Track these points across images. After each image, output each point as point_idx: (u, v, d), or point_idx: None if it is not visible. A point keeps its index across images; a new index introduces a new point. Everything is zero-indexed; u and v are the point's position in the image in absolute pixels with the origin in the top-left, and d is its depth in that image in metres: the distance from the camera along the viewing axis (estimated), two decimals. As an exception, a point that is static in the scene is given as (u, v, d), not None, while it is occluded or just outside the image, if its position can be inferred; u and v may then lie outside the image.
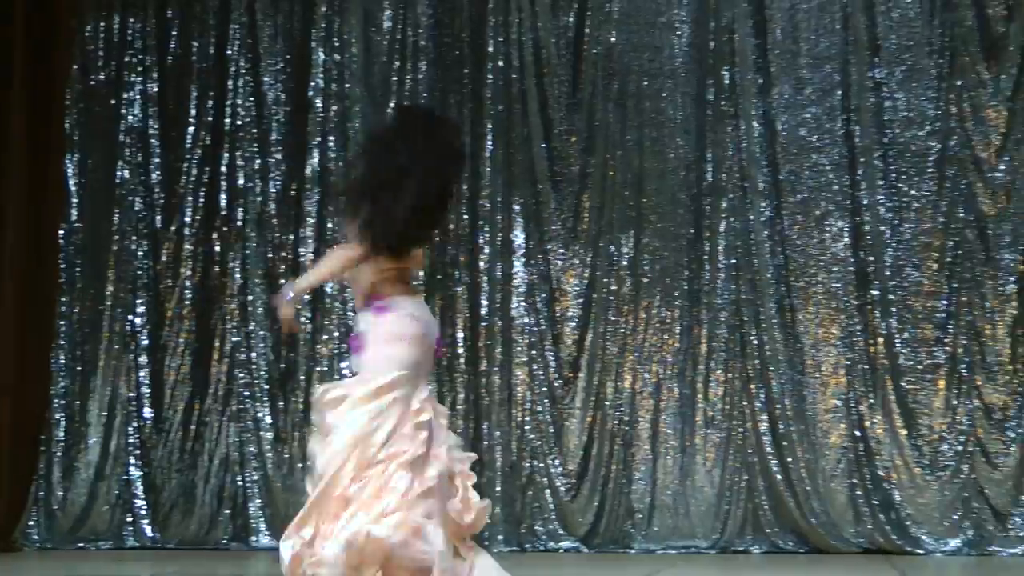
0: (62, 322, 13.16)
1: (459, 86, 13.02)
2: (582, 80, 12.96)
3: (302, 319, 12.78)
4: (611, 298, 12.79)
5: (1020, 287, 12.36)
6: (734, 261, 12.62)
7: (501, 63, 12.98)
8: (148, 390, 13.07)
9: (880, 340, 12.42)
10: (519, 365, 12.80)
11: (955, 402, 12.29)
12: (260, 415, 12.91)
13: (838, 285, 12.53)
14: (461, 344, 12.86)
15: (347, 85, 13.05)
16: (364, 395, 6.55)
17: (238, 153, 13.18)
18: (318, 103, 13.11)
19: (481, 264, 12.87)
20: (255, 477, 12.85)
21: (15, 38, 13.01)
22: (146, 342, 13.15)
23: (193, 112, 13.24)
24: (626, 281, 12.78)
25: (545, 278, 12.90)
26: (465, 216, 12.94)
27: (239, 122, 13.19)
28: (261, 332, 13.00)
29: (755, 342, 12.49)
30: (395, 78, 13.06)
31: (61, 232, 13.21)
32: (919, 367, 12.40)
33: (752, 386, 12.46)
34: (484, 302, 12.87)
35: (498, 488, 12.48)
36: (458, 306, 12.88)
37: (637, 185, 12.80)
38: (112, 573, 10.48)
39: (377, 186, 6.64)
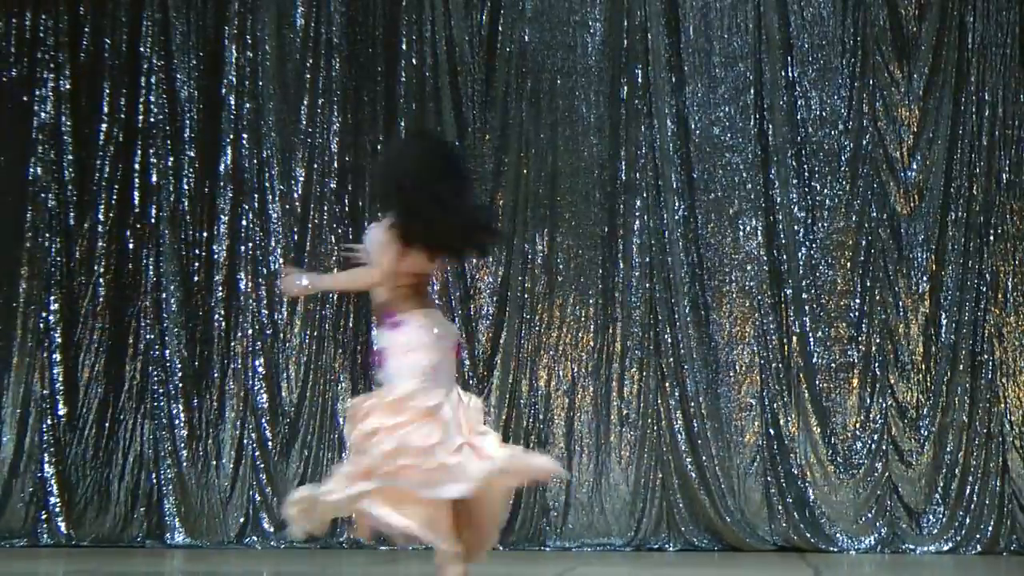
0: (-26, 319, 12.68)
1: (372, 84, 12.58)
2: (495, 78, 12.50)
3: (217, 316, 12.49)
4: (526, 296, 12.35)
5: (933, 286, 12.02)
6: (648, 259, 12.21)
7: (414, 61, 12.53)
8: (62, 387, 12.55)
9: (794, 339, 12.05)
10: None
11: (868, 400, 11.96)
12: (174, 412, 12.44)
13: (752, 284, 12.15)
14: (375, 343, 12.00)
15: (260, 83, 12.63)
16: (390, 402, 6.80)
17: (151, 150, 12.66)
18: (231, 101, 12.64)
19: None
20: (170, 475, 12.38)
21: (-75, 34, 12.58)
22: (60, 339, 12.61)
23: (106, 109, 12.72)
24: (540, 279, 12.35)
25: (459, 276, 12.42)
26: (379, 215, 12.08)
27: (152, 119, 12.68)
28: (175, 329, 12.52)
29: (669, 340, 12.10)
30: (308, 76, 12.63)
31: (-28, 229, 12.74)
32: (833, 365, 12.03)
33: (667, 384, 12.08)
34: None
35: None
36: (372, 303, 11.98)
37: (551, 183, 12.38)
38: (26, 571, 9.91)
39: (433, 186, 6.82)
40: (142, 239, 12.60)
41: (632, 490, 12.01)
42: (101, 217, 12.63)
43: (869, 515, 11.80)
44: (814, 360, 11.98)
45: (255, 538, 12.16)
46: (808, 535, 11.74)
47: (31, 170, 12.67)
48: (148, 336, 12.50)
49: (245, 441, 12.30)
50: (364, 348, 12.31)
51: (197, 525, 12.24)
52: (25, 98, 12.71)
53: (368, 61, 12.54)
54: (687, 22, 12.29)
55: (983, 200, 11.96)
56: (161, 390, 12.42)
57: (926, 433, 11.86)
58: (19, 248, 12.63)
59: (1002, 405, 11.83)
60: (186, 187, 12.59)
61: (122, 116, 12.66)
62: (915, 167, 12.07)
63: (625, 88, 12.29)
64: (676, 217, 12.14)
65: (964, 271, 11.92)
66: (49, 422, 12.45)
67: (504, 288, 12.33)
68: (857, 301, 12.02)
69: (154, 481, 12.36)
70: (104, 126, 12.67)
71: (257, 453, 12.27)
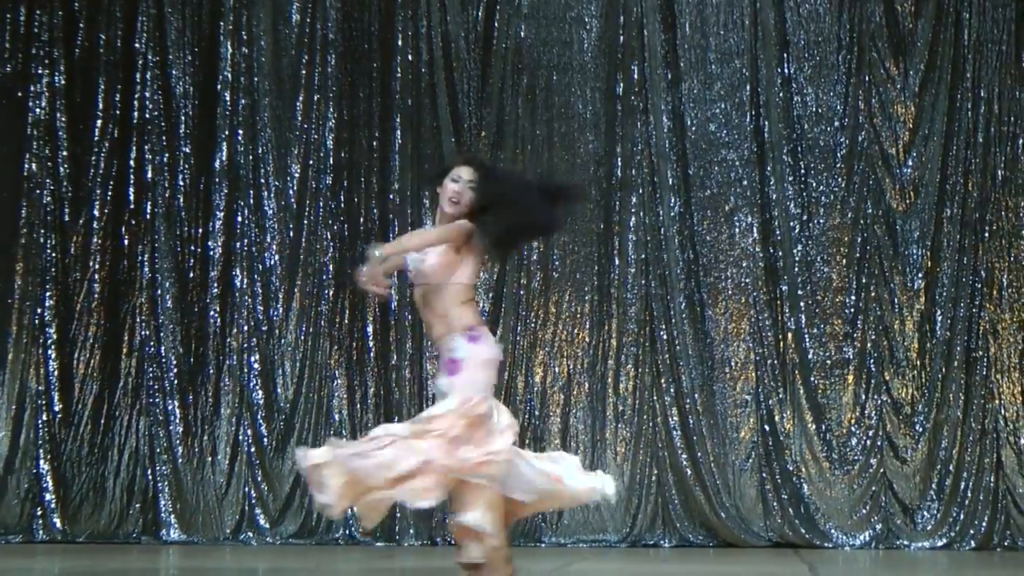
0: (-31, 316, 12.60)
1: (368, 80, 12.55)
2: (491, 74, 12.46)
3: (212, 313, 12.46)
4: (521, 293, 12.32)
5: (928, 282, 12.01)
6: (644, 256, 12.20)
7: (410, 57, 12.49)
8: (57, 384, 12.54)
9: (789, 335, 12.03)
10: (430, 359, 12.16)
11: (863, 397, 11.96)
12: (170, 409, 12.42)
13: (747, 280, 12.13)
14: (371, 338, 12.37)
15: (255, 79, 12.61)
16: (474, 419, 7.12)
17: (146, 147, 12.64)
18: (226, 96, 12.62)
19: None
20: (165, 471, 12.37)
21: (-81, 30, 12.50)
22: (55, 335, 12.59)
23: (101, 105, 12.69)
24: (536, 276, 12.32)
25: (455, 272, 12.19)
26: (375, 211, 12.47)
27: (147, 115, 12.65)
28: (171, 326, 12.49)
29: (665, 337, 12.07)
30: (304, 71, 12.62)
31: (-32, 226, 12.63)
32: (828, 362, 12.03)
33: (662, 381, 12.05)
34: (395, 296, 12.19)
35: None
36: (368, 300, 12.32)
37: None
38: (22, 568, 9.87)
39: (518, 201, 7.20)
40: (137, 235, 12.56)
41: (627, 486, 11.95)
42: (96, 213, 12.59)
43: (864, 511, 11.78)
44: (809, 356, 11.96)
45: (250, 534, 12.14)
46: (803, 531, 11.72)
47: (26, 166, 12.62)
48: (143, 332, 12.46)
49: (240, 437, 12.29)
50: (360, 345, 12.29)
51: (192, 521, 12.23)
52: (20, 94, 12.67)
53: (363, 57, 12.50)
54: (683, 18, 12.27)
55: (978, 197, 11.94)
56: (156, 386, 12.39)
57: (921, 429, 11.85)
58: (14, 244, 12.58)
59: (996, 401, 11.82)
60: (181, 183, 12.55)
61: (117, 112, 12.62)
62: (911, 164, 12.04)
63: (621, 84, 12.25)
64: (672, 214, 12.11)
65: (959, 267, 11.91)
66: (44, 418, 12.41)
67: (500, 285, 12.28)
68: (852, 298, 11.99)
69: (149, 477, 12.32)
70: (99, 122, 12.62)
71: (253, 449, 12.25)
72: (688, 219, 12.14)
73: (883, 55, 12.11)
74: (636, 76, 12.23)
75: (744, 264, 12.09)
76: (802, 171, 12.09)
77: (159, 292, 12.46)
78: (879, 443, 11.86)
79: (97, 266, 12.57)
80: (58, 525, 12.29)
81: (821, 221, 12.06)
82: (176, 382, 12.39)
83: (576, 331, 12.21)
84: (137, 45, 12.62)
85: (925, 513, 11.77)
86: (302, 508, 12.10)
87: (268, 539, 12.08)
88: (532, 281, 12.27)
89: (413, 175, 12.33)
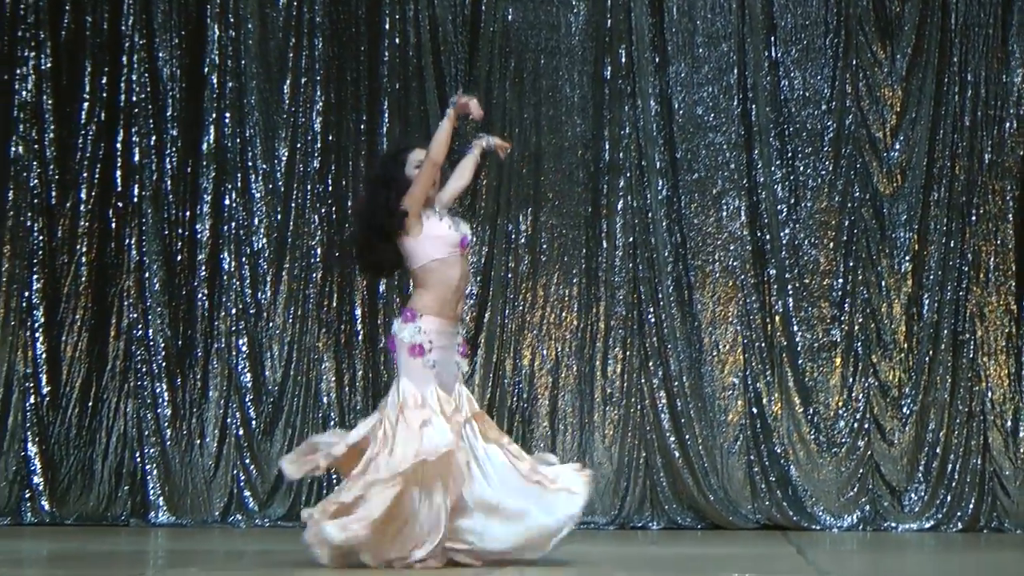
0: (-43, 299, 12.57)
1: (356, 63, 12.52)
2: (479, 58, 12.42)
3: (200, 296, 12.43)
4: (509, 276, 12.31)
5: (915, 265, 12.04)
6: (631, 239, 12.19)
7: (398, 40, 12.46)
8: (45, 366, 12.50)
9: (777, 318, 12.05)
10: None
11: (851, 380, 11.99)
12: (158, 392, 12.38)
13: (735, 263, 12.14)
14: (359, 320, 12.34)
15: (243, 62, 12.55)
16: None
17: (133, 129, 12.57)
18: (214, 80, 12.56)
19: None
20: (153, 454, 12.32)
21: (-96, 13, 12.42)
22: (42, 318, 12.54)
23: (87, 88, 12.62)
24: (524, 259, 12.32)
25: (443, 256, 12.21)
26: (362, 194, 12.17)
27: (134, 98, 12.57)
28: (158, 309, 12.46)
29: (653, 320, 12.07)
30: (291, 55, 12.57)
31: (-45, 208, 12.61)
32: (815, 345, 12.05)
33: (650, 364, 12.05)
34: (383, 279, 12.15)
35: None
36: (356, 283, 12.37)
37: (534, 163, 12.35)
38: (9, 549, 9.84)
39: None
40: (124, 218, 12.51)
41: (616, 469, 11.98)
42: (83, 196, 12.54)
43: (851, 493, 11.80)
44: (797, 340, 11.97)
45: (239, 517, 12.13)
46: (791, 513, 11.74)
47: (12, 149, 12.56)
48: (131, 315, 12.42)
49: (229, 420, 12.27)
50: (348, 327, 12.26)
51: (181, 504, 12.21)
52: (6, 76, 12.59)
53: (351, 40, 12.46)
54: (670, 2, 12.26)
55: (965, 180, 11.96)
56: (144, 369, 12.36)
57: (908, 412, 11.88)
58: (1, 227, 12.53)
59: (983, 384, 11.84)
60: (168, 166, 12.50)
61: (104, 95, 12.56)
62: (898, 147, 12.06)
63: (608, 68, 12.23)
64: (659, 197, 12.10)
65: (946, 251, 11.92)
66: (32, 401, 12.39)
67: (488, 268, 12.27)
68: (840, 281, 12.01)
69: (138, 460, 12.29)
70: (86, 105, 12.56)
71: (241, 432, 12.24)
72: (676, 202, 12.12)
73: (870, 39, 12.10)
74: (624, 60, 12.21)
75: (732, 247, 12.09)
76: (789, 154, 12.09)
77: (147, 275, 12.41)
78: (866, 426, 11.88)
79: (84, 249, 12.52)
80: (46, 507, 12.27)
81: (808, 204, 12.06)
82: (164, 365, 12.35)
83: (564, 314, 12.20)
84: (124, 27, 12.55)
85: (912, 495, 11.79)
86: (291, 491, 12.09)
87: (257, 521, 12.07)
88: (520, 264, 12.26)
89: (396, 142, 12.14)
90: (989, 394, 11.84)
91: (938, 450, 11.79)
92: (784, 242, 12.02)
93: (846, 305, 11.99)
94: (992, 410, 11.83)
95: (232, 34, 12.50)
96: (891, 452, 11.87)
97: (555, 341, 12.19)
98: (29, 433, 12.38)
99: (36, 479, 12.33)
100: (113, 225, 12.54)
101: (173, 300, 12.43)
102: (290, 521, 11.95)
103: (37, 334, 12.47)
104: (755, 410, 11.94)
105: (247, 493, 12.17)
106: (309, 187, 12.40)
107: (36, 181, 12.56)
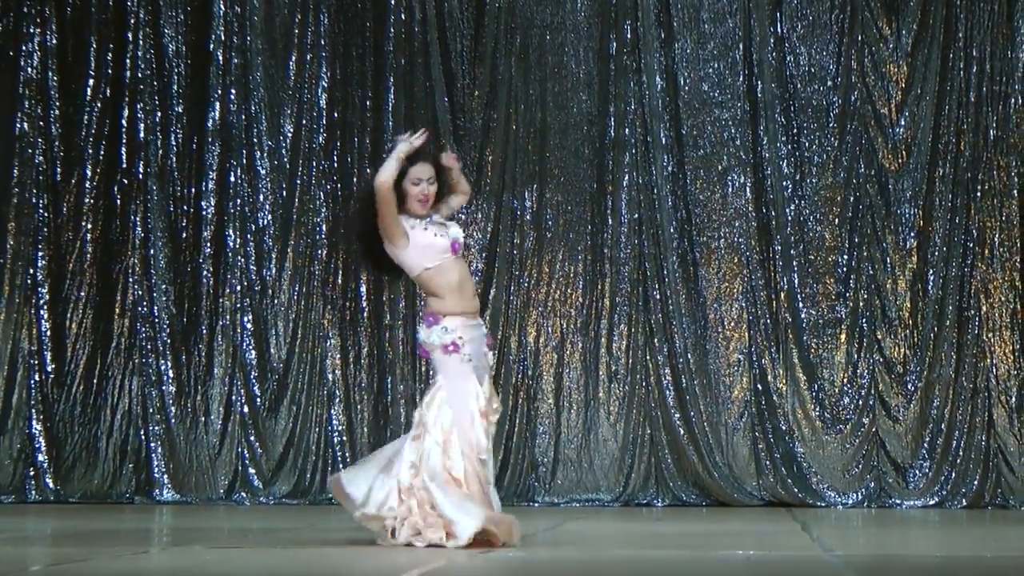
0: (-39, 276, 12.46)
1: (361, 39, 12.49)
2: (484, 34, 12.40)
3: (205, 273, 12.42)
4: (514, 252, 12.32)
5: (920, 242, 12.03)
6: (637, 216, 12.17)
7: (403, 16, 12.42)
8: (49, 344, 12.48)
9: (782, 295, 12.05)
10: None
11: (856, 356, 11.99)
12: (163, 369, 12.40)
13: (740, 240, 12.13)
14: (364, 298, 12.33)
15: (248, 38, 12.54)
16: None
17: (138, 106, 12.55)
18: (219, 56, 12.55)
19: None
20: (158, 431, 12.36)
21: (-92, -10, 12.35)
22: (47, 296, 12.52)
23: (92, 64, 12.59)
24: (529, 236, 12.32)
25: (449, 232, 12.20)
26: (368, 171, 12.20)
27: (139, 75, 12.55)
28: (163, 286, 12.45)
29: (658, 297, 12.09)
30: (296, 30, 12.53)
31: (-41, 185, 12.52)
32: (820, 321, 12.05)
33: (655, 340, 12.07)
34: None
35: (402, 441, 11.72)
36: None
37: (540, 139, 12.34)
38: (14, 527, 9.85)
39: None
40: (129, 195, 12.48)
41: (621, 446, 12.01)
42: (88, 173, 12.51)
43: (856, 470, 11.82)
44: (802, 316, 11.97)
45: (243, 494, 12.14)
46: (795, 490, 11.75)
47: (18, 126, 12.53)
48: (136, 292, 12.42)
49: (233, 398, 12.27)
50: (353, 304, 12.25)
51: (185, 481, 12.22)
52: (11, 53, 12.55)
53: (356, 16, 12.42)
54: (676, -22, 12.18)
55: (970, 156, 11.93)
56: (149, 347, 12.35)
57: (913, 388, 11.87)
58: (6, 204, 12.50)
59: (988, 360, 11.83)
60: (174, 143, 12.48)
61: (109, 71, 12.52)
62: (903, 123, 12.03)
63: (614, 44, 12.20)
64: (665, 173, 12.08)
65: (951, 227, 11.90)
66: (37, 379, 12.38)
67: (493, 244, 12.27)
68: (845, 257, 12.00)
69: (142, 438, 12.31)
70: (91, 81, 12.53)
71: (246, 410, 12.23)
72: (681, 178, 12.11)
73: (876, 14, 12.06)
74: (629, 35, 12.19)
75: (737, 224, 12.08)
76: (795, 131, 12.07)
77: (152, 252, 12.40)
78: (871, 402, 11.88)
79: (89, 226, 12.49)
80: (51, 485, 12.27)
81: (814, 180, 12.05)
82: (169, 342, 12.36)
83: (569, 291, 12.20)
84: (129, 3, 12.53)
85: (917, 472, 11.81)
86: (295, 468, 12.13)
87: (261, 499, 12.08)
88: (525, 241, 12.25)
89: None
90: (994, 370, 11.83)
91: (943, 427, 11.79)
92: (789, 218, 12.01)
93: (851, 281, 11.98)
94: (997, 386, 11.82)
95: (237, 10, 12.47)
96: (896, 429, 11.86)
97: (560, 318, 12.19)
98: (34, 411, 12.38)
99: (40, 457, 12.32)
100: (118, 202, 12.52)
101: (178, 277, 12.41)
102: (295, 499, 12.05)
103: (42, 311, 12.45)
104: (760, 387, 11.94)
105: (252, 471, 12.18)
106: (314, 163, 12.37)
107: (41, 158, 12.52)
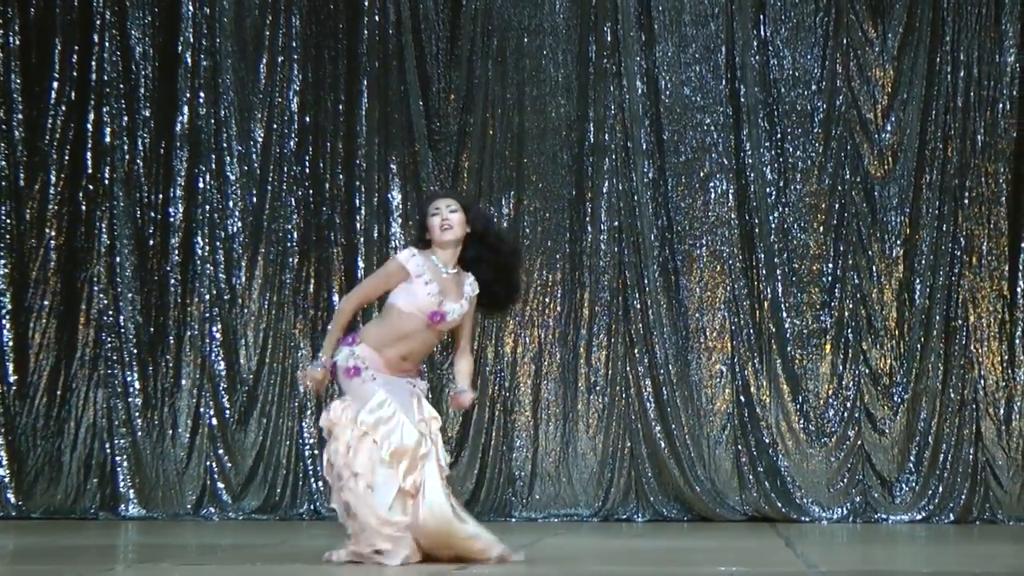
0: (-79, 285, 12.38)
1: (333, 41, 12.51)
2: (460, 36, 12.42)
3: (173, 281, 12.45)
4: None
5: (906, 250, 12.05)
6: (617, 223, 12.19)
7: (377, 18, 12.43)
8: (11, 354, 12.48)
9: (765, 304, 12.07)
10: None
11: (841, 368, 12.02)
12: (128, 380, 12.39)
13: (723, 248, 12.15)
14: (337, 307, 12.00)
15: (218, 39, 12.55)
16: None
17: (104, 109, 12.58)
18: (187, 58, 12.56)
19: (358, 226, 12.33)
20: (124, 444, 12.34)
21: None
22: (9, 304, 12.52)
23: (57, 67, 12.62)
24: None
25: (424, 240, 12.20)
26: (341, 176, 12.40)
27: (105, 77, 12.58)
28: (129, 295, 12.44)
29: (638, 306, 12.08)
30: (267, 32, 12.55)
31: (-81, 192, 12.55)
32: (805, 332, 12.07)
33: (635, 351, 12.07)
34: (361, 264, 12.25)
35: (375, 455, 11.69)
36: (334, 268, 12.39)
37: (517, 145, 12.36)
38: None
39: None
40: (95, 201, 12.47)
41: (600, 459, 12.01)
42: (52, 178, 12.51)
43: (841, 484, 11.84)
44: (786, 326, 11.99)
45: (212, 509, 12.13)
46: (779, 505, 11.76)
47: (-22, 130, 12.49)
48: (101, 301, 12.41)
49: (202, 410, 12.26)
50: (325, 314, 12.19)
51: (152, 496, 12.21)
52: (-27, 55, 12.50)
53: (329, 17, 12.43)
54: (657, -22, 12.20)
55: (958, 163, 11.95)
56: (115, 357, 12.34)
57: (899, 400, 11.90)
58: (-33, 211, 12.45)
59: (976, 371, 11.86)
60: (141, 148, 12.47)
61: (74, 74, 12.53)
62: (889, 129, 12.06)
63: (593, 47, 12.22)
64: (645, 180, 12.08)
65: (938, 235, 11.92)
66: (-2, 390, 12.31)
67: (470, 253, 12.26)
68: (830, 266, 12.02)
69: (107, 451, 12.29)
70: (55, 84, 12.53)
71: (214, 422, 12.22)
72: (662, 185, 12.12)
73: (861, 17, 12.10)
74: (609, 38, 12.19)
75: (719, 231, 12.10)
76: (778, 136, 12.09)
77: (118, 260, 12.39)
78: (857, 415, 11.91)
79: (53, 233, 12.49)
80: (12, 500, 12.27)
81: (798, 187, 12.07)
82: (135, 352, 12.35)
83: (547, 300, 12.21)
84: (95, 4, 12.53)
85: (903, 486, 11.83)
86: (265, 482, 12.12)
87: (230, 514, 12.06)
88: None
89: (380, 139, 12.30)
90: (982, 382, 11.86)
91: (930, 439, 11.81)
92: (773, 226, 12.02)
93: (836, 291, 12.01)
94: (985, 398, 11.85)
95: (207, 11, 12.47)
96: (882, 442, 11.89)
97: (538, 328, 12.19)
98: (-5, 424, 12.31)
99: (2, 471, 12.33)
100: (83, 208, 12.51)
101: (145, 286, 12.39)
102: (264, 514, 12.02)
103: (4, 321, 12.45)
104: (743, 399, 11.95)
105: (220, 485, 12.16)
106: (285, 169, 12.37)
107: (3, 163, 12.53)
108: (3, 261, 12.47)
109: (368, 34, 12.35)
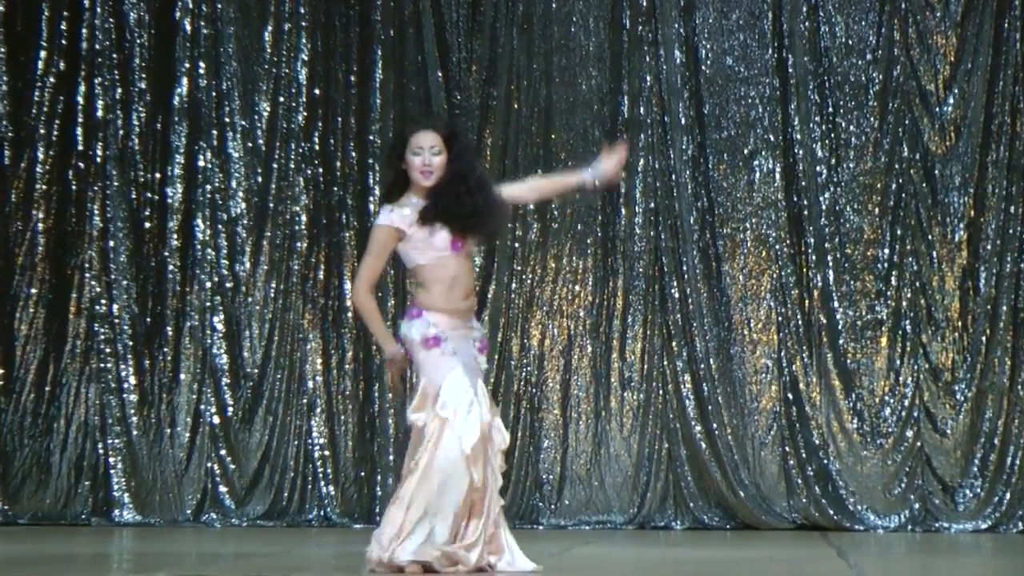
0: (-101, 272, 12.59)
1: (345, 7, 12.50)
2: (483, 2, 12.39)
3: (171, 268, 12.47)
4: (516, 245, 12.28)
5: (970, 234, 12.03)
6: (653, 205, 12.17)
7: (392, -19, 12.51)
8: (-3, 346, 12.56)
9: (815, 293, 12.05)
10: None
11: (898, 362, 11.98)
12: (123, 375, 12.38)
13: (769, 232, 12.13)
14: (348, 297, 12.23)
15: (219, 5, 12.53)
16: None
17: (96, 81, 12.52)
18: (186, 25, 12.54)
19: (371, 207, 12.20)
20: (118, 444, 12.35)
21: None
22: (-6, 293, 12.62)
23: (45, 35, 12.58)
24: (532, 227, 12.30)
25: (444, 224, 12.26)
26: (353, 154, 12.42)
27: (97, 46, 12.51)
28: (124, 282, 12.45)
29: (676, 295, 12.08)
30: (273, -3, 12.65)
31: None
32: (859, 323, 12.04)
33: (673, 344, 12.06)
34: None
35: (391, 456, 12.02)
36: (345, 254, 12.38)
37: (545, 120, 12.34)
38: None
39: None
40: (86, 181, 12.47)
41: (635, 462, 12.01)
42: (40, 156, 12.51)
43: (899, 490, 11.80)
44: (838, 317, 11.96)
45: (213, 515, 12.14)
46: (830, 512, 11.74)
47: (-40, 104, 12.62)
48: (94, 289, 12.41)
49: (202, 407, 12.24)
50: (336, 304, 12.28)
51: (149, 501, 12.21)
52: (-47, 23, 12.62)
53: (340, -19, 12.49)
54: (697, -61, 12.30)
55: (1027, 138, 11.96)
56: (108, 350, 12.33)
57: (962, 398, 11.87)
58: (-52, 191, 12.57)
59: (1046, 367, 11.85)
60: (136, 122, 12.47)
61: (63, 42, 12.51)
62: (951, 101, 12.02)
63: (628, 13, 12.20)
64: (684, 158, 12.09)
65: (1005, 217, 11.89)
66: (-18, 386, 12.44)
67: (493, 237, 12.30)
68: (886, 251, 11.99)
69: (100, 452, 12.31)
70: (43, 54, 12.51)
71: (216, 420, 12.21)
72: (702, 163, 12.12)
73: (921, -21, 12.13)
74: (644, 3, 12.18)
75: (765, 214, 12.07)
76: (830, 110, 12.06)
77: (111, 244, 12.38)
78: (915, 414, 11.88)
79: (41, 215, 12.50)
80: (-2, 505, 12.34)
81: (851, 166, 12.05)
82: (130, 345, 12.34)
83: (578, 288, 12.21)
84: (86, -34, 12.59)
85: (967, 492, 11.79)
86: (271, 486, 12.16)
87: (233, 520, 12.07)
88: (529, 233, 12.24)
89: (395, 114, 12.29)
90: (1053, 378, 11.86)
91: (996, 441, 11.77)
92: (824, 208, 12.00)
93: (893, 278, 11.98)
94: (1055, 396, 11.86)
95: (207, -26, 12.54)
96: (943, 443, 11.87)
97: (567, 319, 12.20)
98: (-22, 423, 12.46)
99: (-14, 474, 12.42)
100: (73, 188, 12.52)
101: (140, 272, 12.40)
102: (270, 520, 12.07)
103: (-12, 310, 12.52)
104: (791, 396, 11.94)
105: (223, 489, 12.16)
106: (293, 146, 12.35)
107: (-13, 140, 12.60)
108: (-13, 246, 12.54)
109: (382, 0, 12.35)
